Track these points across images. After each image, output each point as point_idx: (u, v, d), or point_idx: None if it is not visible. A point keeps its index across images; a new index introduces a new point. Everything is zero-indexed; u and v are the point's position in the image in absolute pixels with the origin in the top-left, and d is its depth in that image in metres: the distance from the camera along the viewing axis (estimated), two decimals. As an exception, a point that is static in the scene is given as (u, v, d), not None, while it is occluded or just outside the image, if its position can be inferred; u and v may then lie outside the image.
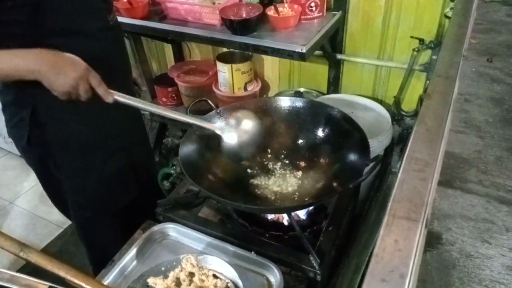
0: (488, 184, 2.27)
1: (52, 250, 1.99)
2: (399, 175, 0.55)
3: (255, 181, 1.09)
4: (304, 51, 1.31)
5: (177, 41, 2.01)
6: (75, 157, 1.24)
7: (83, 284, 0.74)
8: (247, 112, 1.08)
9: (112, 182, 1.31)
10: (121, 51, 1.28)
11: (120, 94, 0.97)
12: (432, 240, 1.94)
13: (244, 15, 1.45)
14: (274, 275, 0.90)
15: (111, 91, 0.97)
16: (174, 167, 1.99)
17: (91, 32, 1.10)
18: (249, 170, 1.13)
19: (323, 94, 1.81)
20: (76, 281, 0.73)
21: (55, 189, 1.37)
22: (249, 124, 1.04)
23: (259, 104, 1.25)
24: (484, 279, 1.77)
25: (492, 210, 2.11)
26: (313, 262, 0.92)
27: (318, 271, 0.91)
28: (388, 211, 0.49)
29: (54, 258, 0.76)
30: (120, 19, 1.59)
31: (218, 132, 1.02)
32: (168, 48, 2.12)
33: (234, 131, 1.02)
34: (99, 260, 1.26)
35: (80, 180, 1.29)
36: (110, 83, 1.01)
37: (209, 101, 1.21)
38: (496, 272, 1.80)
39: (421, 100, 1.05)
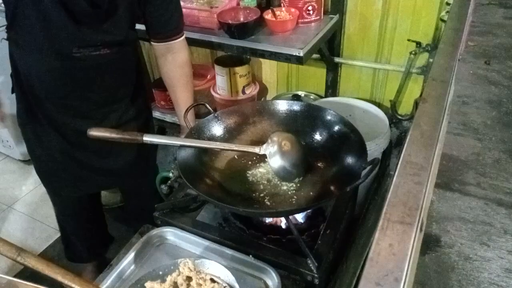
0: (486, 187, 2.26)
1: (51, 254, 1.99)
2: (394, 179, 0.55)
3: (253, 185, 1.10)
4: (301, 54, 1.32)
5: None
6: None
7: (81, 289, 0.74)
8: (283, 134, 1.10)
9: None
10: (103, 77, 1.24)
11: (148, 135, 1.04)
12: (431, 243, 1.93)
13: (241, 19, 1.46)
14: (272, 279, 0.90)
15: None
16: (172, 171, 1.99)
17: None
18: (247, 174, 1.13)
19: (321, 97, 1.81)
20: (73, 285, 0.73)
21: None
22: (287, 145, 1.06)
23: (256, 108, 1.26)
24: (482, 281, 1.76)
25: (491, 213, 2.10)
26: (311, 265, 0.92)
27: (316, 275, 0.91)
28: (383, 215, 0.49)
29: (51, 262, 0.76)
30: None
31: (262, 152, 1.05)
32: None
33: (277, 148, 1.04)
34: None
35: None
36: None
37: (207, 105, 1.21)
38: (494, 274, 1.79)
39: (416, 104, 1.06)
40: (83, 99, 1.23)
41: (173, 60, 1.31)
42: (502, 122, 2.85)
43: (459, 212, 2.10)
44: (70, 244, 1.75)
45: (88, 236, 1.73)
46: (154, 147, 1.66)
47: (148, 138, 1.03)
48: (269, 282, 0.91)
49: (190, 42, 1.53)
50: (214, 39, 1.47)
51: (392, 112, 1.68)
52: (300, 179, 1.09)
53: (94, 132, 1.03)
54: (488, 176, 2.34)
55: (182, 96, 1.37)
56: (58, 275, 0.74)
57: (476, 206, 2.14)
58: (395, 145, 1.66)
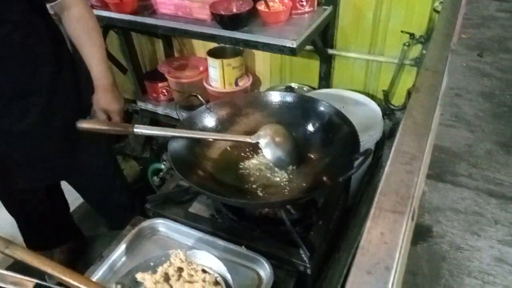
0: (478, 178, 2.29)
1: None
2: (386, 168, 0.55)
3: (246, 176, 1.09)
4: (294, 46, 1.31)
5: (167, 36, 2.00)
6: None
7: (71, 281, 0.73)
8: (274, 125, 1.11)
9: None
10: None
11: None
12: (423, 233, 1.96)
13: (234, 10, 1.45)
14: (265, 269, 0.90)
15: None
16: (165, 163, 1.99)
17: None
18: (239, 165, 1.12)
19: (315, 89, 1.81)
20: (63, 277, 0.73)
21: None
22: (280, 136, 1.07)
23: (249, 99, 1.25)
24: (473, 270, 1.79)
25: (482, 203, 2.13)
26: (303, 256, 0.93)
27: (308, 265, 0.92)
28: (374, 204, 0.49)
29: (41, 255, 0.75)
30: (110, 14, 1.58)
31: (254, 140, 1.06)
32: (159, 44, 2.10)
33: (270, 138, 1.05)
34: None
35: None
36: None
37: (199, 97, 1.21)
38: (485, 264, 1.82)
39: (409, 93, 1.06)
40: None
41: (69, 16, 1.19)
42: (494, 114, 2.88)
43: (451, 203, 2.14)
44: (28, 232, 1.70)
45: (46, 225, 1.69)
46: (110, 140, 1.61)
47: (139, 129, 1.02)
48: (262, 273, 0.91)
49: (183, 33, 1.52)
50: (206, 30, 1.45)
51: (385, 103, 1.68)
52: (293, 168, 1.09)
53: (84, 125, 1.02)
54: (479, 167, 2.37)
55: (89, 51, 1.23)
56: (48, 267, 0.74)
57: (468, 196, 2.18)
58: (388, 136, 1.66)
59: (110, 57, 1.95)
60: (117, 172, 1.70)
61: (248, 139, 1.07)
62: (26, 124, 1.19)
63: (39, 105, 1.20)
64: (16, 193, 1.51)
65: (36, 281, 0.71)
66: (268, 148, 1.05)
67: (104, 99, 1.27)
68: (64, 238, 1.81)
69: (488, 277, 1.75)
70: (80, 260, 1.83)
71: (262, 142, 1.06)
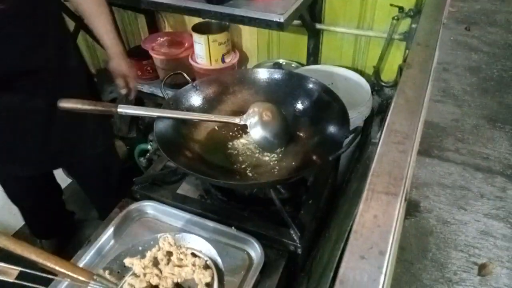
0: (464, 152, 2.32)
1: (29, 230, 1.95)
2: (378, 148, 0.54)
3: (234, 156, 1.07)
4: (282, 20, 1.27)
5: (150, 10, 1.92)
6: None
7: (56, 267, 0.71)
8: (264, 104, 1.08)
9: None
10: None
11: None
12: (411, 208, 1.98)
13: (219, -17, 1.39)
14: (255, 250, 0.89)
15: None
16: (151, 143, 1.95)
17: None
18: (228, 145, 1.10)
19: (303, 65, 1.78)
20: (48, 264, 0.71)
21: None
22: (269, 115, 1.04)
23: (236, 76, 1.22)
24: (459, 244, 1.83)
25: (468, 178, 2.16)
26: (293, 235, 0.92)
27: (299, 245, 0.91)
28: (367, 186, 0.48)
29: (25, 242, 0.73)
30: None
31: (243, 122, 1.03)
32: (142, 19, 2.03)
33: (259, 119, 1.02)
34: None
35: None
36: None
37: (185, 75, 1.17)
38: (470, 237, 1.86)
39: (400, 69, 1.04)
40: None
41: None
42: (481, 88, 2.89)
43: (438, 178, 2.16)
44: (31, 222, 1.74)
45: (45, 213, 1.71)
46: (109, 120, 1.58)
47: (123, 109, 0.98)
48: (252, 253, 0.90)
49: (165, 7, 1.46)
50: (190, 4, 1.39)
51: (375, 79, 1.66)
52: (282, 149, 1.07)
53: (65, 104, 0.98)
54: (466, 142, 2.40)
55: (100, 21, 1.26)
56: (32, 254, 0.72)
57: (455, 171, 2.20)
58: (377, 113, 1.65)
59: (90, 33, 1.87)
60: (114, 158, 1.68)
61: (236, 120, 1.04)
62: (35, 103, 1.16)
63: (48, 82, 1.17)
64: (20, 181, 1.49)
65: (20, 268, 0.69)
66: (256, 130, 1.03)
67: (123, 65, 1.31)
68: (62, 225, 1.81)
69: (474, 250, 1.79)
70: (70, 243, 1.82)
71: (250, 123, 1.03)
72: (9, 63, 1.09)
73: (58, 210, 1.79)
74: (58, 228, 1.81)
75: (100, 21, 1.25)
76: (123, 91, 1.37)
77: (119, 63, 1.31)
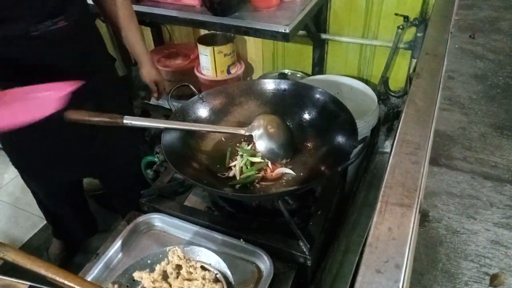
0: (472, 161, 2.29)
1: (37, 243, 1.94)
2: (390, 159, 0.53)
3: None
4: (287, 31, 1.27)
5: (156, 23, 1.94)
6: None
7: (66, 282, 0.71)
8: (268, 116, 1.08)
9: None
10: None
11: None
12: (420, 218, 1.95)
13: (224, -5, 1.40)
14: (264, 262, 0.88)
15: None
16: (158, 155, 1.94)
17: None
18: (235, 156, 1.10)
19: (308, 75, 1.78)
20: (57, 278, 0.70)
21: None
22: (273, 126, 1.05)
23: (243, 88, 1.22)
24: (470, 254, 1.80)
25: (477, 186, 2.13)
26: (302, 247, 0.91)
27: (309, 257, 0.90)
28: (380, 198, 0.47)
29: (33, 256, 0.73)
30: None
31: (248, 133, 1.03)
32: (147, 32, 2.05)
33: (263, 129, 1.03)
34: None
35: None
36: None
37: (191, 86, 1.17)
38: (481, 247, 1.83)
39: (410, 79, 1.04)
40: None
41: (114, 1, 1.28)
42: (487, 96, 2.87)
43: (446, 187, 2.13)
44: (57, 225, 1.76)
45: (74, 217, 1.73)
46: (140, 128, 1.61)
47: (129, 121, 0.98)
48: (262, 266, 0.89)
49: (171, 20, 1.48)
50: (196, 16, 1.41)
51: (384, 89, 1.65)
52: (288, 160, 1.06)
53: (72, 116, 0.98)
54: (474, 150, 2.37)
55: (132, 31, 1.35)
56: (41, 268, 0.71)
57: (463, 180, 2.17)
58: (384, 122, 1.65)
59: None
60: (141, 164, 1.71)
61: (241, 131, 1.04)
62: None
63: (92, 91, 1.21)
64: (57, 187, 1.54)
65: (29, 283, 0.68)
66: (262, 141, 1.02)
67: (155, 71, 1.43)
68: (92, 228, 1.84)
69: (485, 260, 1.75)
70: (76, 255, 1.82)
71: (256, 135, 1.02)
72: (67, 72, 1.13)
73: (85, 211, 1.82)
74: (87, 230, 1.85)
75: (132, 30, 1.35)
76: (155, 94, 1.49)
77: (149, 69, 1.41)
